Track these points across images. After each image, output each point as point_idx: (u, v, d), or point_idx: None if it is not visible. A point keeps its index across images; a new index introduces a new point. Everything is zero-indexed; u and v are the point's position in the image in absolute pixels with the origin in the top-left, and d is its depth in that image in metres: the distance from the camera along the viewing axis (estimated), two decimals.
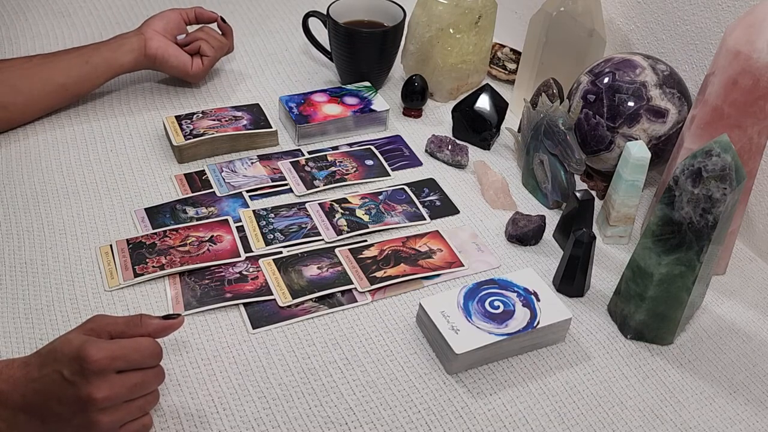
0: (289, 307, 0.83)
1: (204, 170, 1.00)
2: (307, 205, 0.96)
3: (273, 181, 0.99)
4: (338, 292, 0.85)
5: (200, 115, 1.05)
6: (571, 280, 0.87)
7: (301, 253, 0.89)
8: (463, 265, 0.90)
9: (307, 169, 1.01)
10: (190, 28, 1.13)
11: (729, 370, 0.83)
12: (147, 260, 0.86)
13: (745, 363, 0.83)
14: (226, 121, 1.04)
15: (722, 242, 0.81)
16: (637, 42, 1.09)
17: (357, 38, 1.11)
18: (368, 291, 0.86)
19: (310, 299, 0.84)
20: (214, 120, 1.04)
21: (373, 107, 1.09)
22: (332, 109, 1.08)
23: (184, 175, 0.99)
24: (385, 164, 1.04)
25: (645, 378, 0.80)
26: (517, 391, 0.78)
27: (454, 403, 0.76)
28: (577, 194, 0.90)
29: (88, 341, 0.62)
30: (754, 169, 0.85)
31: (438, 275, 0.88)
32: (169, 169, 1.00)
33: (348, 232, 0.92)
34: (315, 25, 1.18)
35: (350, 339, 0.81)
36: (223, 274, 0.86)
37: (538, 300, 0.81)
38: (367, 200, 0.97)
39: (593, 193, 1.00)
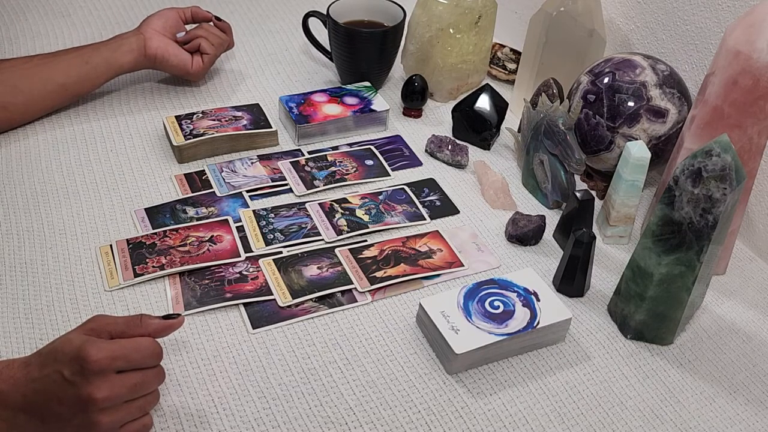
0: (289, 307, 0.83)
1: (204, 170, 1.00)
2: (307, 205, 0.96)
3: (273, 181, 0.99)
4: (338, 292, 0.85)
5: (200, 115, 1.05)
6: (571, 280, 0.87)
7: (301, 253, 0.89)
8: (463, 265, 0.90)
9: (307, 169, 1.01)
10: (188, 27, 1.13)
11: (729, 370, 0.83)
12: (147, 260, 0.86)
13: (745, 363, 0.84)
14: (226, 121, 1.04)
15: (722, 242, 0.81)
16: (637, 42, 1.09)
17: (357, 38, 1.11)
18: (368, 291, 0.86)
19: (310, 299, 0.84)
20: (214, 120, 1.04)
21: (373, 107, 1.09)
22: (332, 109, 1.08)
23: (184, 175, 0.99)
24: (385, 164, 1.04)
25: (645, 378, 0.80)
26: (517, 391, 0.78)
27: (454, 403, 0.76)
28: (577, 194, 0.90)
29: (88, 341, 0.62)
30: (754, 169, 0.85)
31: (438, 275, 0.88)
32: (169, 169, 1.00)
33: (348, 232, 0.92)
34: (315, 25, 1.18)
35: (350, 339, 0.81)
36: (223, 274, 0.86)
37: (538, 300, 0.81)
38: (367, 200, 0.97)
39: (593, 193, 1.00)
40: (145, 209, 0.93)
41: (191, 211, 0.93)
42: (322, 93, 1.11)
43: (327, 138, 1.08)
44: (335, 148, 1.06)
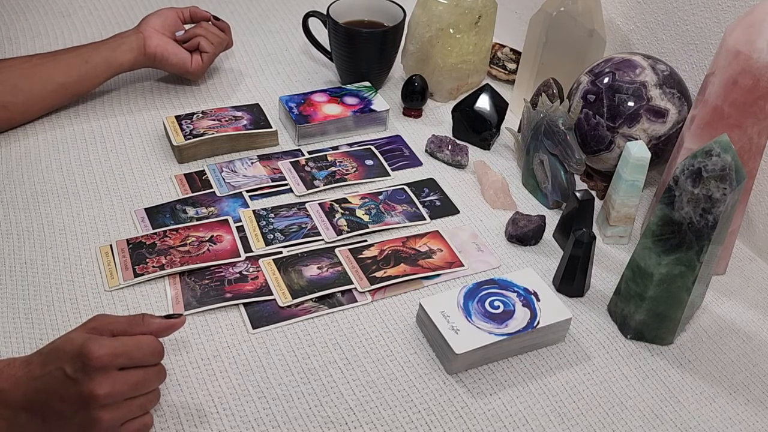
0: (289, 307, 0.83)
1: (204, 170, 1.00)
2: (307, 205, 0.96)
3: (273, 181, 0.99)
4: (338, 292, 0.85)
5: (200, 115, 1.05)
6: (571, 280, 0.87)
7: (301, 253, 0.89)
8: (463, 265, 0.90)
9: (307, 169, 1.01)
10: (187, 27, 1.13)
11: (729, 370, 0.83)
12: (147, 260, 0.86)
13: (745, 363, 0.84)
14: (226, 121, 1.04)
15: (722, 242, 0.81)
16: (637, 42, 1.09)
17: (357, 38, 1.11)
18: (368, 291, 0.86)
19: (310, 299, 0.84)
20: (214, 120, 1.04)
21: (373, 107, 1.09)
22: (332, 109, 1.08)
23: (184, 175, 0.99)
24: (385, 164, 1.04)
25: (645, 378, 0.80)
26: (517, 391, 0.78)
27: (454, 403, 0.76)
28: (577, 194, 0.90)
29: (90, 338, 0.63)
30: (754, 169, 0.85)
31: (438, 275, 0.88)
32: (169, 169, 1.00)
33: (348, 232, 0.92)
34: (315, 25, 1.18)
35: (350, 339, 0.81)
36: (223, 274, 0.86)
37: (538, 300, 0.81)
38: (367, 200, 0.97)
39: (593, 193, 1.00)
40: (145, 209, 0.93)
41: (191, 211, 0.93)
42: (322, 93, 1.11)
43: (327, 138, 1.08)
44: (335, 148, 1.06)
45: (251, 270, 0.86)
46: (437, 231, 0.94)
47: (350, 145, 1.07)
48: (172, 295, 0.83)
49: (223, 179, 0.99)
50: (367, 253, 0.90)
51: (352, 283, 0.86)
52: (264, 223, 0.93)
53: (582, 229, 0.85)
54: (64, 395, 0.62)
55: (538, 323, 0.79)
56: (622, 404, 0.78)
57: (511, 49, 1.27)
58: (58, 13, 1.29)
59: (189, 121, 1.03)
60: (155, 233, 0.89)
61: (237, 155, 1.03)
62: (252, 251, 0.89)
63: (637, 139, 0.94)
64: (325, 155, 1.04)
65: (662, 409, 0.78)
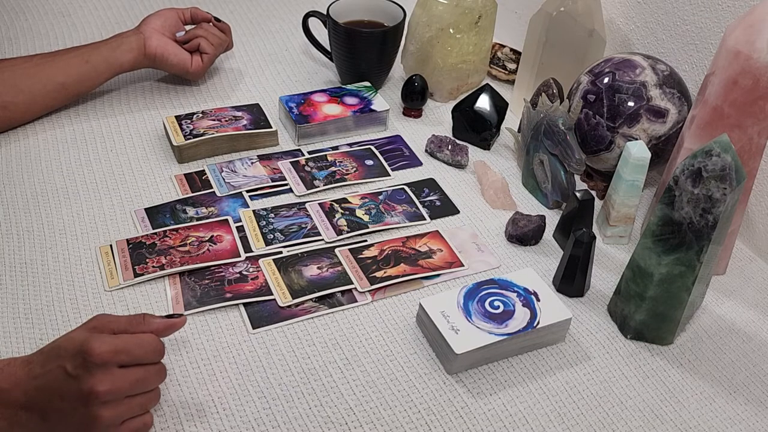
0: (289, 307, 0.83)
1: (204, 170, 1.00)
2: (307, 205, 0.96)
3: (273, 181, 0.99)
4: (338, 292, 0.85)
5: (200, 115, 1.05)
6: (571, 280, 0.87)
7: (301, 253, 0.89)
8: (463, 265, 0.90)
9: (307, 169, 1.01)
10: (187, 28, 1.13)
11: (729, 370, 0.83)
12: (147, 260, 0.86)
13: (745, 363, 0.84)
14: (226, 121, 1.04)
15: (722, 242, 0.81)
16: (637, 42, 1.09)
17: (357, 38, 1.11)
18: (368, 291, 0.86)
19: (310, 299, 0.84)
20: (214, 120, 1.04)
21: (373, 107, 1.09)
22: (332, 109, 1.08)
23: (184, 175, 0.99)
24: (385, 164, 1.04)
25: (645, 378, 0.80)
26: (517, 391, 0.78)
27: (454, 403, 0.76)
28: (577, 194, 0.90)
29: (91, 336, 0.63)
30: (754, 169, 0.85)
31: (438, 275, 0.88)
32: (169, 169, 1.00)
33: (348, 232, 0.92)
34: (315, 25, 1.18)
35: (350, 339, 0.81)
36: (223, 274, 0.86)
37: (538, 300, 0.81)
38: (367, 200, 0.97)
39: (593, 193, 1.00)
40: (145, 209, 0.93)
41: (191, 211, 0.93)
42: (322, 93, 1.11)
43: (327, 138, 1.08)
44: (335, 148, 1.06)
45: (251, 270, 0.86)
46: (437, 231, 0.94)
47: (350, 145, 1.07)
48: (172, 295, 0.83)
49: (223, 179, 0.99)
50: (367, 253, 0.90)
51: (352, 283, 0.86)
52: (264, 223, 0.93)
53: (582, 229, 0.85)
54: (65, 393, 0.62)
55: (538, 323, 0.79)
56: (622, 404, 0.78)
57: (511, 49, 1.27)
58: (58, 13, 1.29)
59: (189, 121, 1.03)
60: (155, 233, 0.89)
61: (237, 155, 1.03)
62: (252, 251, 0.89)
63: (637, 139, 0.94)
64: (325, 155, 1.04)
65: (662, 409, 0.78)
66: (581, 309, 0.87)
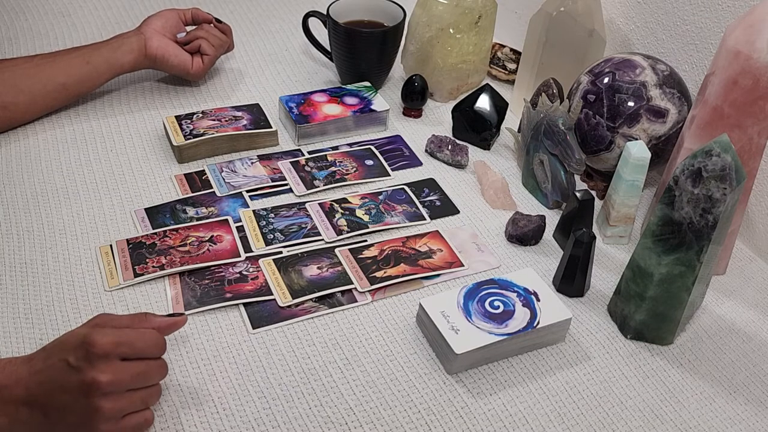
0: (289, 307, 0.83)
1: (204, 170, 1.00)
2: (307, 205, 0.96)
3: (273, 181, 0.99)
4: (338, 292, 0.85)
5: (200, 115, 1.05)
6: (571, 280, 0.87)
7: (301, 253, 0.89)
8: (463, 265, 0.90)
9: (307, 169, 1.01)
10: (188, 29, 1.13)
11: (729, 370, 0.83)
12: (147, 260, 0.86)
13: (745, 363, 0.83)
14: (226, 121, 1.05)
15: (722, 242, 0.81)
16: (637, 42, 1.09)
17: (357, 38, 1.11)
18: (368, 291, 0.86)
19: (310, 299, 0.84)
20: (214, 120, 1.04)
21: (373, 107, 1.09)
22: (332, 109, 1.08)
23: (184, 175, 0.99)
24: (385, 164, 1.04)
25: (645, 378, 0.80)
26: (517, 391, 0.78)
27: (454, 403, 0.76)
28: (577, 194, 0.90)
29: (94, 330, 0.64)
30: (754, 169, 0.85)
31: (438, 275, 0.88)
32: (169, 169, 1.00)
33: (348, 232, 0.92)
34: (315, 25, 1.18)
35: (350, 339, 0.81)
36: (223, 274, 0.86)
37: (538, 300, 0.81)
38: (367, 200, 0.97)
39: (593, 193, 1.00)
40: (145, 209, 0.93)
41: (191, 211, 0.93)
42: (322, 93, 1.11)
43: (327, 138, 1.08)
44: (335, 148, 1.06)
45: (251, 270, 0.86)
46: (437, 231, 0.94)
47: (350, 145, 1.07)
48: (172, 295, 0.83)
49: (223, 179, 0.99)
50: (367, 253, 0.90)
51: (352, 283, 0.86)
52: (264, 223, 0.93)
53: (582, 229, 0.85)
54: (66, 385, 0.62)
55: (538, 323, 0.79)
56: (622, 404, 0.78)
57: (511, 49, 1.27)
58: (58, 13, 1.29)
59: (189, 121, 1.03)
60: (155, 233, 0.89)
61: (237, 155, 1.03)
62: (252, 251, 0.89)
63: (637, 139, 0.94)
64: (325, 155, 1.04)
65: (662, 409, 0.78)
66: (581, 309, 0.87)
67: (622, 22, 1.11)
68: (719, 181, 0.71)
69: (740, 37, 0.79)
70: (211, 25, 1.13)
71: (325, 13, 1.12)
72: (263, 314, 0.82)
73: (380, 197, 0.98)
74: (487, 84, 1.10)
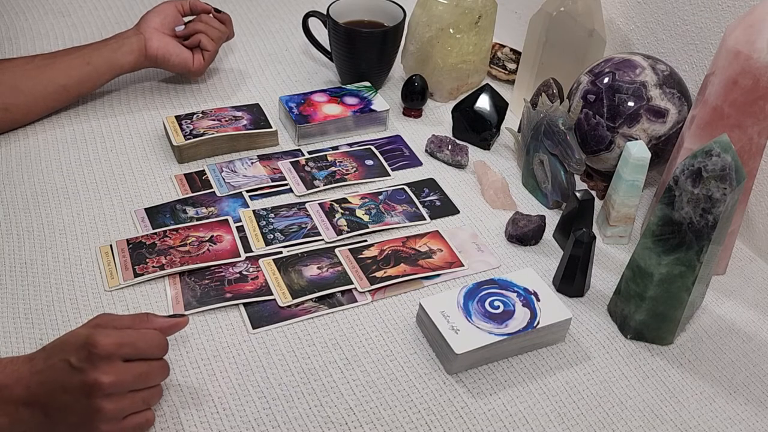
0: (289, 307, 0.83)
1: (204, 170, 1.00)
2: (307, 205, 0.96)
3: (273, 181, 0.99)
4: (338, 292, 0.85)
5: (200, 115, 1.05)
6: (571, 280, 0.87)
7: (301, 253, 0.89)
8: (463, 265, 0.90)
9: (307, 169, 1.01)
10: (186, 19, 1.12)
11: (729, 370, 0.83)
12: (147, 260, 0.86)
13: (745, 363, 0.83)
14: (226, 121, 1.04)
15: (722, 242, 0.81)
16: (637, 42, 1.09)
17: (357, 38, 1.11)
18: (368, 291, 0.86)
19: (310, 299, 0.84)
20: (214, 120, 1.04)
21: (373, 107, 1.09)
22: (332, 109, 1.08)
23: (184, 175, 0.99)
24: (385, 164, 1.04)
25: (645, 378, 0.80)
26: (517, 391, 0.78)
27: (454, 403, 0.76)
28: (577, 194, 0.90)
29: (96, 330, 0.64)
30: (754, 169, 0.85)
31: (438, 275, 0.88)
32: (169, 169, 1.00)
33: (348, 232, 0.92)
34: (315, 25, 1.18)
35: (350, 339, 0.81)
36: (223, 274, 0.86)
37: (538, 300, 0.81)
38: (367, 200, 0.97)
39: (593, 193, 1.00)
40: (145, 209, 0.93)
41: (191, 211, 0.93)
42: (322, 93, 1.11)
43: (327, 138, 1.08)
44: (335, 148, 1.06)
45: (251, 270, 0.86)
46: (437, 231, 0.94)
47: (350, 145, 1.07)
48: (172, 295, 0.83)
49: (223, 179, 0.99)
50: (367, 253, 0.90)
51: (352, 283, 0.86)
52: (264, 223, 0.93)
53: (582, 229, 0.85)
54: (67, 386, 0.62)
55: (538, 323, 0.79)
56: (622, 404, 0.78)
57: (511, 49, 1.27)
58: (58, 13, 1.29)
59: (189, 121, 1.03)
60: (155, 233, 0.89)
61: (237, 155, 1.03)
62: (252, 251, 0.89)
63: (637, 139, 0.94)
64: (325, 155, 1.04)
65: (662, 409, 0.78)
66: (581, 309, 0.87)
67: (622, 22, 1.11)
68: (719, 181, 0.71)
69: (740, 37, 0.79)
70: (210, 15, 1.12)
71: (325, 13, 1.12)
72: (263, 314, 0.82)
73: (380, 197, 0.98)
74: (487, 84, 1.10)
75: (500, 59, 1.25)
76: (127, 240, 0.88)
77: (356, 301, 0.85)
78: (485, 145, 1.10)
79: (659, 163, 0.98)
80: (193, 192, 0.97)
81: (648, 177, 0.93)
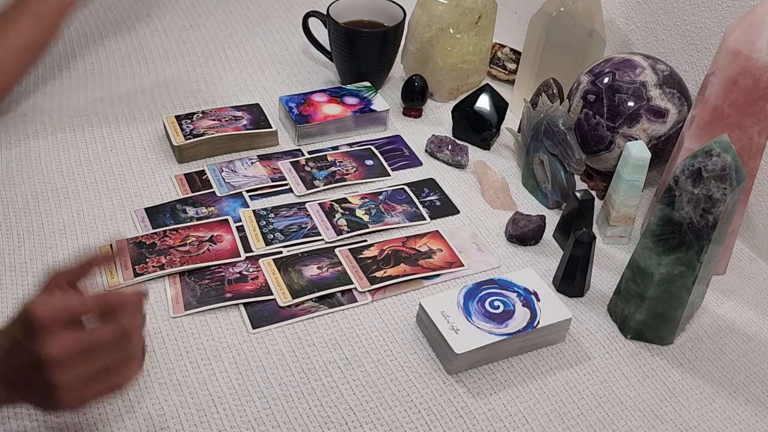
0: (289, 307, 0.83)
1: (204, 170, 1.00)
2: (307, 205, 0.96)
3: (273, 181, 0.99)
4: (338, 292, 0.85)
5: (200, 115, 1.05)
6: (571, 280, 0.87)
7: (301, 253, 0.89)
8: (463, 265, 0.90)
9: (307, 169, 1.01)
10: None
11: (729, 370, 0.83)
12: (147, 260, 0.86)
13: (745, 363, 0.83)
14: (226, 121, 1.04)
15: (722, 242, 0.81)
16: (637, 42, 1.09)
17: (357, 38, 1.11)
18: (368, 291, 0.86)
19: (310, 299, 0.84)
20: (214, 120, 1.04)
21: (373, 107, 1.09)
22: (332, 109, 1.08)
23: (184, 175, 0.99)
24: (385, 164, 1.04)
25: (645, 378, 0.80)
26: (517, 391, 0.78)
27: (454, 403, 0.76)
28: (577, 194, 0.90)
29: (33, 300, 0.60)
30: (754, 169, 0.85)
31: (438, 275, 0.88)
32: (169, 169, 1.00)
33: (348, 232, 0.92)
34: (315, 25, 1.18)
35: (350, 339, 0.81)
36: (223, 274, 0.86)
37: (538, 300, 0.81)
38: (367, 200, 0.97)
39: (593, 193, 1.00)
40: (145, 209, 0.93)
41: (191, 211, 0.93)
42: (322, 93, 1.11)
43: (327, 138, 1.08)
44: (335, 148, 1.06)
45: (251, 270, 0.86)
46: (437, 231, 0.94)
47: (350, 145, 1.07)
48: (172, 295, 0.83)
49: (223, 179, 0.99)
50: (367, 253, 0.90)
51: (352, 283, 0.86)
52: (264, 223, 0.93)
53: (582, 229, 0.85)
54: (22, 363, 0.60)
55: (538, 323, 0.79)
56: (622, 404, 0.78)
57: (511, 49, 1.27)
58: None
59: (189, 121, 1.03)
60: (155, 233, 0.89)
61: (237, 155, 1.03)
62: (252, 251, 0.89)
63: (637, 139, 0.94)
64: (325, 155, 1.04)
65: (662, 409, 0.78)
66: (581, 309, 0.87)
67: (622, 22, 1.11)
68: (719, 181, 0.71)
69: (740, 37, 0.79)
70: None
71: (325, 13, 1.12)
72: (263, 314, 0.82)
73: (380, 197, 0.98)
74: (487, 84, 1.10)
75: (500, 59, 1.25)
76: (127, 240, 0.88)
77: (356, 301, 0.85)
78: (485, 145, 1.10)
79: (659, 163, 0.98)
80: (193, 192, 0.97)
81: (648, 177, 0.93)
